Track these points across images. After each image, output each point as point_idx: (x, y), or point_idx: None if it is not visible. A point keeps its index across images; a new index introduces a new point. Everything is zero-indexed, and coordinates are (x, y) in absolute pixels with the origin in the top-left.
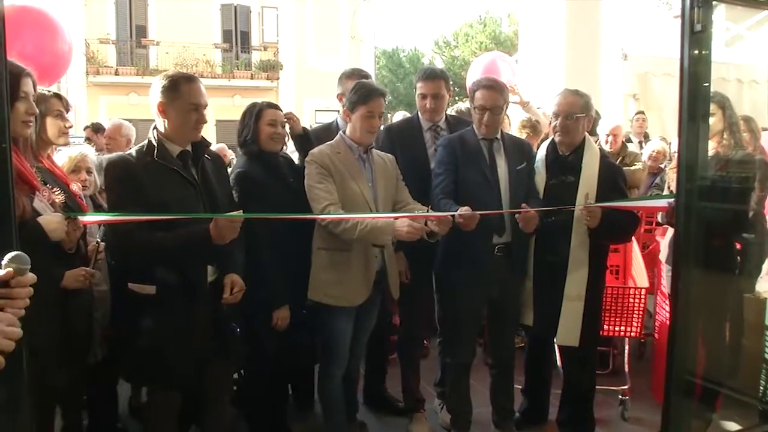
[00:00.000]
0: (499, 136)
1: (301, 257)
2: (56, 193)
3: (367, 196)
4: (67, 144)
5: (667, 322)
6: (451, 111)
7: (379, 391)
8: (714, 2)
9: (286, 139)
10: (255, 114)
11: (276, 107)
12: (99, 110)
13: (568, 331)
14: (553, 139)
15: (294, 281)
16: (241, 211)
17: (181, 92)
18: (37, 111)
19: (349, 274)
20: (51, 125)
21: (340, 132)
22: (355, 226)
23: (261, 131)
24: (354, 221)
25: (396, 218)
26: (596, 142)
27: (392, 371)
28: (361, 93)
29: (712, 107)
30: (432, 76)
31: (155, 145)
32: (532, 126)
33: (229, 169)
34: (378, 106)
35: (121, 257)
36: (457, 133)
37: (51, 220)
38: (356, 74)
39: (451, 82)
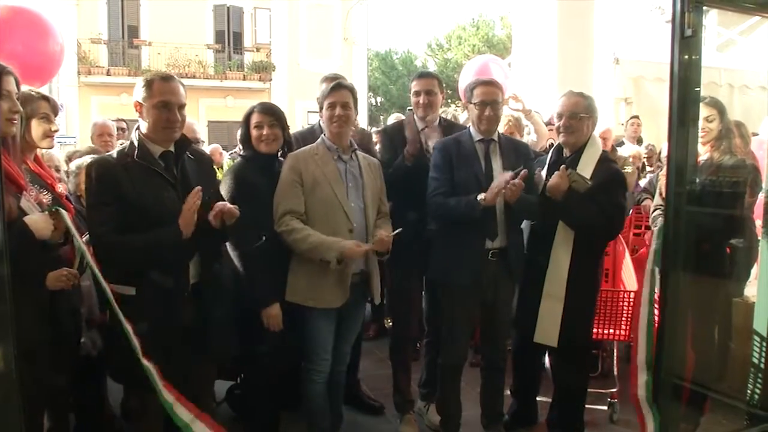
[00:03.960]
0: (495, 137)
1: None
2: (44, 194)
3: (342, 199)
4: (50, 147)
5: (656, 326)
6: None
7: (352, 390)
8: (705, 7)
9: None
10: (246, 117)
11: (265, 110)
12: (90, 110)
13: (546, 330)
14: (560, 142)
15: (283, 280)
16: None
17: (153, 90)
18: (21, 109)
19: (324, 278)
20: (36, 127)
21: (322, 135)
22: (306, 239)
23: (251, 134)
24: (306, 233)
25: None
26: None
27: (383, 373)
28: (323, 90)
29: (712, 112)
30: (425, 74)
31: (136, 145)
32: (516, 120)
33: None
34: (339, 97)
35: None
36: (453, 135)
37: (37, 220)
38: (331, 78)
39: (444, 85)
